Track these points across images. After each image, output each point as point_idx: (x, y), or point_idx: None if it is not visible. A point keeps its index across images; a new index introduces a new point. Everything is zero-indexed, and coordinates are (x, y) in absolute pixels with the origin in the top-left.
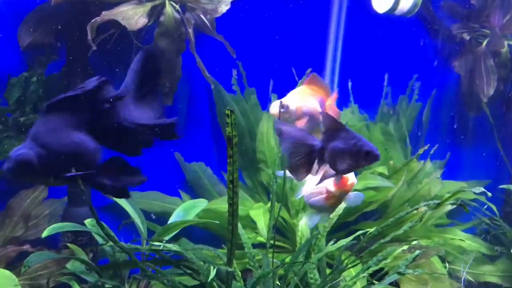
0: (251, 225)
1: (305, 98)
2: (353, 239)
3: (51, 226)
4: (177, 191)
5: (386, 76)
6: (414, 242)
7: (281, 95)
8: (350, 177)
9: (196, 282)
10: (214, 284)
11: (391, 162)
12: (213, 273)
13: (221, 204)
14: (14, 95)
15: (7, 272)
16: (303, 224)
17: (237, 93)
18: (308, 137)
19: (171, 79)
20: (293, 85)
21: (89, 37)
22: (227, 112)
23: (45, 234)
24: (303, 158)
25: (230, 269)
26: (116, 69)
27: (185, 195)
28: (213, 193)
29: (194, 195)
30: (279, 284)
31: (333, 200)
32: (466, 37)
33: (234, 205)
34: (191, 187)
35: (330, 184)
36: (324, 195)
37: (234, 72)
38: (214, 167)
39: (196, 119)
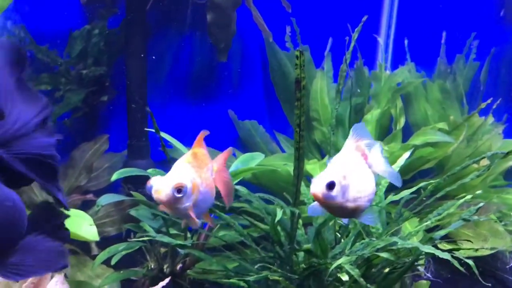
0: (306, 182)
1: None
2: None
3: (119, 170)
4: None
5: (444, 34)
6: (469, 197)
7: (335, 52)
8: None
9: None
10: (279, 229)
11: (452, 117)
12: (279, 214)
13: (275, 161)
14: (77, 48)
15: (81, 212)
16: None
17: (290, 50)
18: None
19: (226, 35)
20: (349, 43)
21: None
22: (297, 53)
23: (114, 177)
24: None
25: (296, 210)
26: (173, 23)
27: (238, 152)
28: (266, 151)
29: (247, 152)
30: (339, 234)
31: None
32: None
33: (300, 149)
34: (244, 144)
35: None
36: None
37: (288, 29)
38: (266, 126)
39: (249, 77)
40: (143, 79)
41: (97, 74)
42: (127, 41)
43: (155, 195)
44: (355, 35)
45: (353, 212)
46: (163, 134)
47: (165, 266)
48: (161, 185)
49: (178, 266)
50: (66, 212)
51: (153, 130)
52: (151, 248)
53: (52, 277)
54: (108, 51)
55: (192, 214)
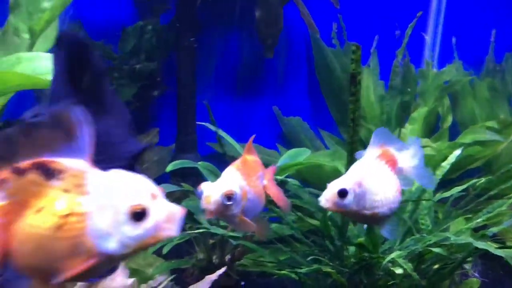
0: None
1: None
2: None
3: (173, 162)
4: (275, 145)
5: (493, 32)
6: None
7: (382, 50)
8: None
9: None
10: (329, 223)
11: (502, 116)
12: None
13: (319, 158)
14: (130, 43)
15: None
16: None
17: (336, 47)
18: None
19: (273, 32)
20: (394, 41)
21: None
22: (353, 47)
23: (169, 168)
24: None
25: None
26: (221, 19)
27: (282, 148)
28: (310, 148)
29: (291, 149)
30: None
31: None
32: None
33: (354, 143)
34: (288, 141)
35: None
36: None
37: (334, 26)
38: (310, 122)
39: (294, 73)
40: (193, 74)
41: (149, 69)
42: (177, 37)
43: (204, 201)
44: (408, 31)
45: (373, 219)
46: (213, 128)
47: (214, 257)
48: (211, 192)
49: (227, 257)
50: None
51: (205, 124)
52: (200, 239)
53: None
54: (160, 46)
55: (246, 218)
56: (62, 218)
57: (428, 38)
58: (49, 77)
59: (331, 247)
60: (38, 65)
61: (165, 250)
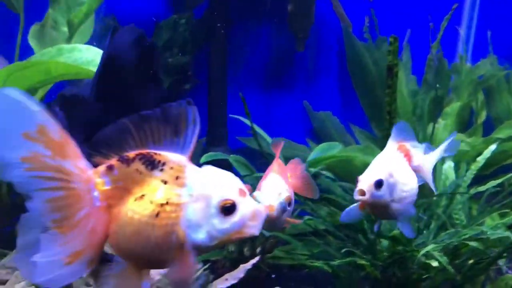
0: None
1: None
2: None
3: (206, 154)
4: (304, 139)
5: None
6: None
7: (414, 44)
8: None
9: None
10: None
11: None
12: None
13: (350, 153)
14: (163, 37)
15: None
16: (447, 167)
17: (368, 41)
18: None
19: (304, 25)
20: (426, 35)
21: None
22: (391, 39)
23: (203, 160)
24: None
25: None
26: (253, 13)
27: (312, 143)
28: (340, 142)
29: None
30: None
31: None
32: None
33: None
34: (318, 135)
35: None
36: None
37: (366, 20)
38: (341, 117)
39: (325, 67)
40: (224, 68)
41: (181, 63)
42: (209, 31)
43: (268, 210)
44: (444, 24)
45: (395, 213)
46: (247, 122)
47: (245, 249)
48: (272, 201)
49: (258, 250)
50: None
51: (239, 117)
52: None
53: None
54: (193, 40)
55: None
56: (159, 206)
57: (462, 31)
58: (91, 67)
59: (363, 241)
60: (79, 56)
61: None
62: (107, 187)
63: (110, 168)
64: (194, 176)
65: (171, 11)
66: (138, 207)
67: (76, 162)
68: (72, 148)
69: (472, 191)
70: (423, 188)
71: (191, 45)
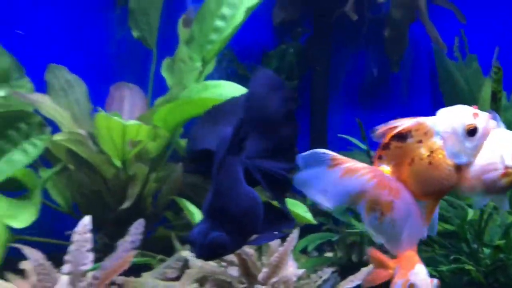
0: None
1: None
2: None
3: None
4: None
5: None
6: None
7: (503, 61)
8: None
9: None
10: (466, 227)
11: None
12: (470, 213)
13: None
14: (272, 65)
15: (296, 201)
16: None
17: (458, 59)
18: None
19: (399, 47)
20: None
21: (348, 8)
22: (495, 69)
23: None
24: None
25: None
26: (351, 38)
27: None
28: None
29: None
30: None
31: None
32: None
33: None
34: None
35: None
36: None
37: (456, 39)
38: None
39: (417, 86)
40: (326, 90)
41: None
42: (313, 57)
43: None
44: None
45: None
46: (354, 140)
47: (352, 256)
48: None
49: (365, 256)
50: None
51: (346, 137)
52: (340, 238)
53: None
54: (298, 66)
55: None
56: (428, 157)
57: None
58: None
59: (466, 249)
60: (224, 91)
61: (310, 248)
62: (389, 169)
63: (379, 158)
64: (441, 121)
65: (276, 40)
66: (417, 167)
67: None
68: None
69: None
70: None
71: (297, 70)
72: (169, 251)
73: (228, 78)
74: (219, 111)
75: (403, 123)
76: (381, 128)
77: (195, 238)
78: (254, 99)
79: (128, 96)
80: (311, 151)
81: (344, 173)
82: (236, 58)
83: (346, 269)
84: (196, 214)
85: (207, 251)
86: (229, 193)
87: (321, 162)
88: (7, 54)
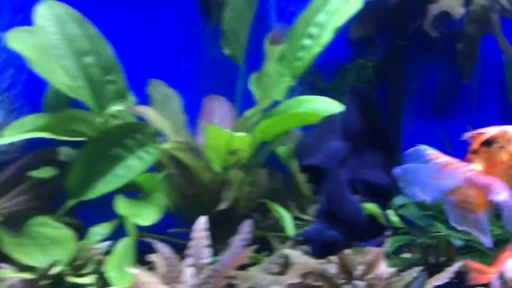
0: None
1: None
2: None
3: None
4: None
5: None
6: None
7: None
8: None
9: None
10: None
11: None
12: None
13: None
14: (349, 79)
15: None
16: None
17: None
18: None
19: (470, 60)
20: None
21: (427, 25)
22: None
23: None
24: None
25: None
26: (429, 54)
27: None
28: None
29: None
30: None
31: None
32: None
33: None
34: None
35: None
36: None
37: None
38: None
39: (487, 97)
40: (401, 100)
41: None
42: (388, 70)
43: None
44: None
45: None
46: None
47: (430, 258)
48: None
49: (441, 258)
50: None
51: (424, 146)
52: (417, 240)
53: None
54: (376, 78)
55: None
56: (509, 161)
57: None
58: (325, 114)
59: None
60: (316, 106)
61: (390, 250)
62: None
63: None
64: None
65: (352, 54)
66: (499, 170)
67: None
68: None
69: None
70: None
71: (374, 82)
72: (259, 249)
73: (309, 91)
74: (322, 128)
75: (490, 131)
76: (471, 134)
77: (311, 236)
78: (351, 117)
79: (218, 108)
80: (414, 148)
81: (442, 167)
82: (317, 71)
83: (425, 270)
84: (285, 216)
85: (322, 248)
86: (339, 200)
87: (421, 158)
88: (124, 73)
